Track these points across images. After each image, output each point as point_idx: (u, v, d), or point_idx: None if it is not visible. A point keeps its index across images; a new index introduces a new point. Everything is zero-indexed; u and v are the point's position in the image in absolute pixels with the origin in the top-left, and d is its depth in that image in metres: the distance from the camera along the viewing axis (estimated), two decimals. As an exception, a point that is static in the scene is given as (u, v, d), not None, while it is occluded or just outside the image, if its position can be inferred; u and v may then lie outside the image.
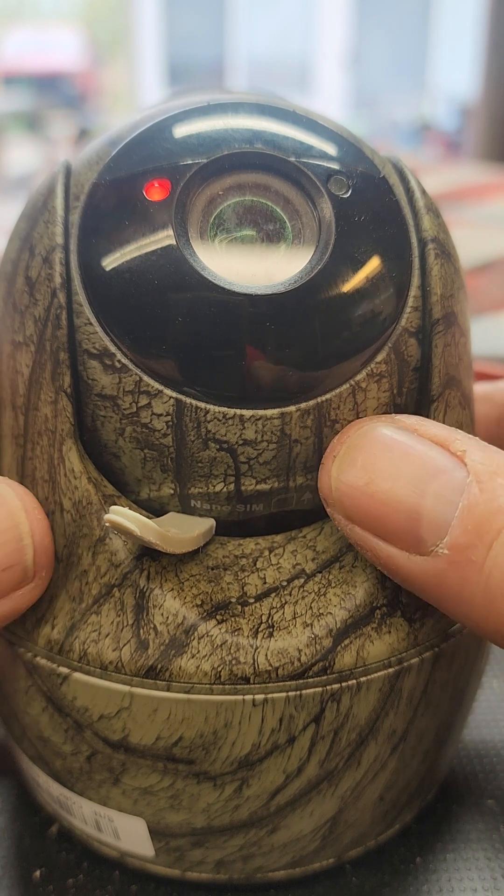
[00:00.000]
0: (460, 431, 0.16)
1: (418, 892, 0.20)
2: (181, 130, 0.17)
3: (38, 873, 0.20)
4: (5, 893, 0.20)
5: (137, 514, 0.15)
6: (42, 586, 0.17)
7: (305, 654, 0.16)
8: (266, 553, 0.17)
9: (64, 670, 0.17)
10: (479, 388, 0.24)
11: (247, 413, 0.16)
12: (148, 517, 0.18)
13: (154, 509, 0.18)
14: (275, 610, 0.17)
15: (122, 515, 0.15)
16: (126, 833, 0.19)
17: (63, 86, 5.43)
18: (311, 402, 0.17)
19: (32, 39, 5.80)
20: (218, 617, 0.17)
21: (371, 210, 0.17)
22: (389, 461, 0.16)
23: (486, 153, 2.02)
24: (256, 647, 0.16)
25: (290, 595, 0.17)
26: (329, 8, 5.23)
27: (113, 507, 0.15)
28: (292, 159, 0.17)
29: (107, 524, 0.16)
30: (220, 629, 0.16)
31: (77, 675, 0.17)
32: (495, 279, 0.65)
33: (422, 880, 0.20)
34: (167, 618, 0.17)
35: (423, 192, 0.18)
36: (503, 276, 0.66)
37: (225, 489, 0.17)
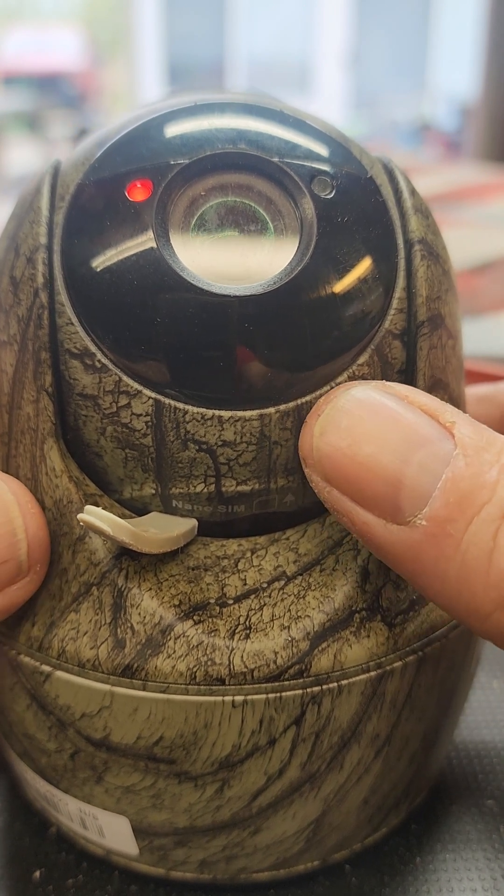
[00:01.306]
0: (451, 405, 0.16)
1: (418, 892, 0.20)
2: (166, 131, 0.17)
3: (37, 873, 0.20)
4: (5, 893, 0.20)
5: (110, 514, 0.15)
6: (37, 581, 0.17)
7: (281, 656, 0.16)
8: (248, 554, 0.17)
9: (46, 668, 0.17)
10: (481, 390, 0.24)
11: (225, 414, 0.16)
12: (130, 517, 0.18)
13: (137, 509, 0.18)
14: (253, 612, 0.17)
15: (95, 515, 0.15)
16: (110, 831, 0.19)
17: (63, 86, 5.43)
18: (291, 404, 0.17)
19: (32, 39, 5.80)
20: (195, 617, 0.17)
21: (356, 211, 0.17)
22: (375, 425, 0.15)
23: (486, 153, 2.02)
24: (232, 649, 0.16)
25: (270, 597, 0.17)
26: (329, 8, 5.23)
27: (87, 507, 0.15)
28: (275, 160, 0.17)
29: (81, 523, 0.16)
30: (196, 630, 0.16)
31: (59, 673, 0.17)
32: (495, 279, 0.65)
33: (422, 880, 0.20)
34: (144, 617, 0.17)
35: (413, 192, 0.18)
36: (503, 276, 0.66)
37: (206, 490, 0.17)
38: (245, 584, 0.17)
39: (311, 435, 0.16)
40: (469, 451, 0.15)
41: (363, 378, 0.17)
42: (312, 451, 0.16)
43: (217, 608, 0.17)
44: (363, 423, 0.15)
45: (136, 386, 0.16)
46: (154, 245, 0.16)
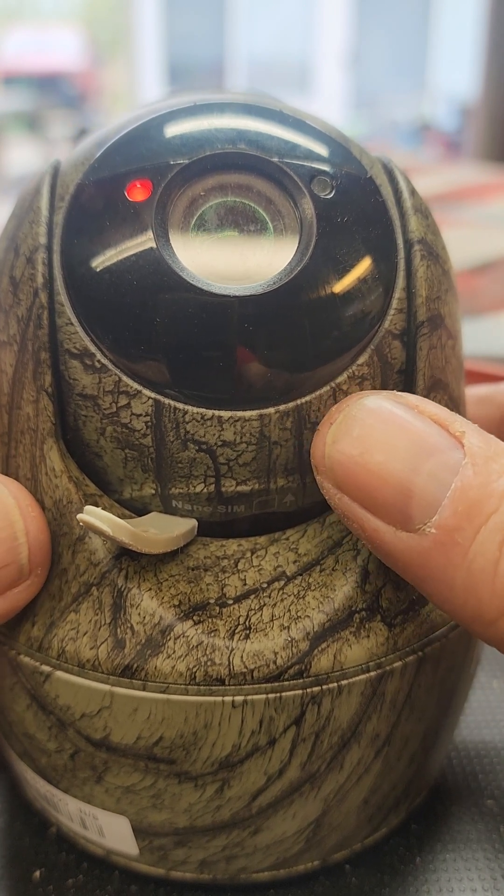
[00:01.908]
0: (460, 416, 0.16)
1: (418, 892, 0.20)
2: (166, 131, 0.17)
3: (38, 873, 0.20)
4: (5, 893, 0.20)
5: (110, 515, 0.15)
6: (38, 584, 0.17)
7: (281, 656, 0.16)
8: (248, 554, 0.17)
9: (46, 668, 0.17)
10: (480, 390, 0.24)
11: (225, 414, 0.16)
12: (130, 517, 0.18)
13: (137, 509, 0.18)
14: (253, 612, 0.17)
15: (95, 515, 0.15)
16: (110, 831, 0.19)
17: (63, 86, 5.42)
18: (291, 405, 0.17)
19: (32, 39, 5.80)
20: (195, 618, 0.17)
21: (355, 211, 0.17)
22: (386, 434, 0.15)
23: (486, 153, 2.02)
24: (232, 649, 0.16)
25: (269, 597, 0.17)
26: (329, 8, 5.23)
27: (86, 507, 0.15)
28: (275, 160, 0.17)
29: (80, 523, 0.16)
30: (196, 630, 0.16)
31: (59, 673, 0.17)
32: (495, 279, 0.65)
33: (422, 880, 0.20)
34: (144, 617, 0.17)
35: (413, 192, 0.18)
36: (503, 276, 0.66)
37: (205, 490, 0.17)
38: (245, 585, 0.17)
39: (323, 443, 0.16)
40: (478, 461, 0.15)
41: (363, 378, 0.17)
42: (324, 458, 0.16)
43: (217, 608, 0.17)
44: (375, 431, 0.15)
45: (136, 386, 0.16)
46: (154, 245, 0.16)
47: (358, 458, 0.15)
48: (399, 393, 0.16)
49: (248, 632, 0.17)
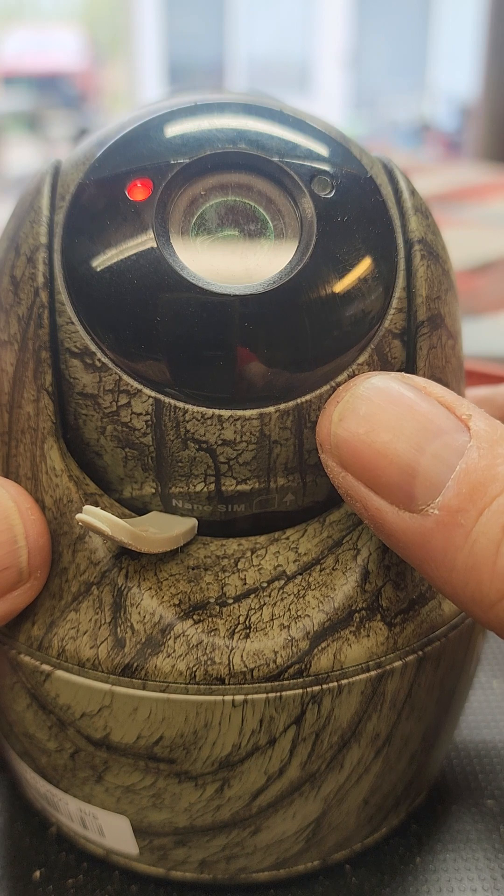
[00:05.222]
0: (467, 400, 0.16)
1: (418, 892, 0.20)
2: (166, 131, 0.17)
3: (38, 873, 0.20)
4: (5, 893, 0.20)
5: (109, 514, 0.15)
6: (38, 587, 0.17)
7: (281, 656, 0.16)
8: (248, 554, 0.17)
9: (46, 668, 0.17)
10: (480, 392, 0.24)
11: (225, 413, 0.16)
12: (130, 517, 0.18)
13: (137, 508, 0.18)
14: (253, 611, 0.17)
15: (94, 515, 0.15)
16: (110, 831, 0.19)
17: (63, 86, 5.42)
18: (291, 404, 0.17)
19: (32, 39, 5.80)
20: (195, 617, 0.17)
21: (355, 210, 0.17)
22: (393, 414, 0.15)
23: (486, 153, 2.03)
24: (232, 648, 0.16)
25: (269, 597, 0.17)
26: (329, 8, 5.23)
27: (85, 507, 0.15)
28: (275, 159, 0.17)
29: (79, 523, 0.16)
30: (196, 629, 0.16)
31: (59, 672, 0.17)
32: (495, 279, 0.65)
33: (422, 880, 0.20)
34: (144, 616, 0.17)
35: (413, 192, 0.18)
36: (503, 276, 0.66)
37: (205, 489, 0.17)
38: (245, 584, 0.17)
39: (329, 421, 0.16)
40: (483, 444, 0.15)
41: None
42: (330, 436, 0.16)
43: (217, 607, 0.17)
44: (381, 411, 0.16)
45: (136, 385, 0.16)
46: (154, 244, 0.16)
47: (363, 436, 0.15)
48: (408, 374, 0.16)
49: (248, 631, 0.17)
